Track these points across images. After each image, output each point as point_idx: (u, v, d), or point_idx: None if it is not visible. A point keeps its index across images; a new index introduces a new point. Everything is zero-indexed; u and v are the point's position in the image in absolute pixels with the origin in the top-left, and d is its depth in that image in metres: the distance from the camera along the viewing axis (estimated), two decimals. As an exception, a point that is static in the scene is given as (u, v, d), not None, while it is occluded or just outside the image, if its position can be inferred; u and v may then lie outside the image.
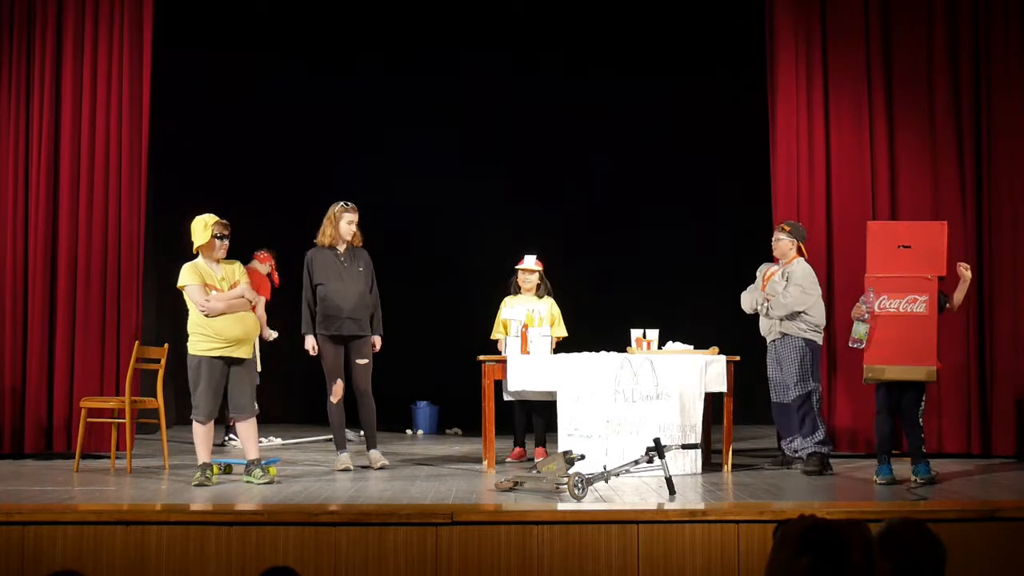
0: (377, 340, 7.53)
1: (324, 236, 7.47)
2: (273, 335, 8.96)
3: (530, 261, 8.28)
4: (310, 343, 7.38)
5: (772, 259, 7.44)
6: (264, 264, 9.45)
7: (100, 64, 8.24)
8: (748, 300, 7.43)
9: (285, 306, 9.41)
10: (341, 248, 7.46)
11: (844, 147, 8.29)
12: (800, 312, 7.15)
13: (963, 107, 8.24)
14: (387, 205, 9.26)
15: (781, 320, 7.19)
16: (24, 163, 8.19)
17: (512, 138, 11.35)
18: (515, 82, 11.16)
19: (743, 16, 9.67)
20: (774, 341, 7.28)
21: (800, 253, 7.33)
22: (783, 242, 7.30)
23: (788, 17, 8.34)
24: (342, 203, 7.49)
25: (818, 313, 7.26)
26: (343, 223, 7.43)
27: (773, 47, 8.43)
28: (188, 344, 6.60)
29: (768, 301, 7.21)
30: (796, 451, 7.24)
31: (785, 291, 7.16)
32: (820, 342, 7.32)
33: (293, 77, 11.24)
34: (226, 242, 6.69)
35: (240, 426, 6.73)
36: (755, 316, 7.45)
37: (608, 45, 11.15)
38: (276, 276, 9.51)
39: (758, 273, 7.49)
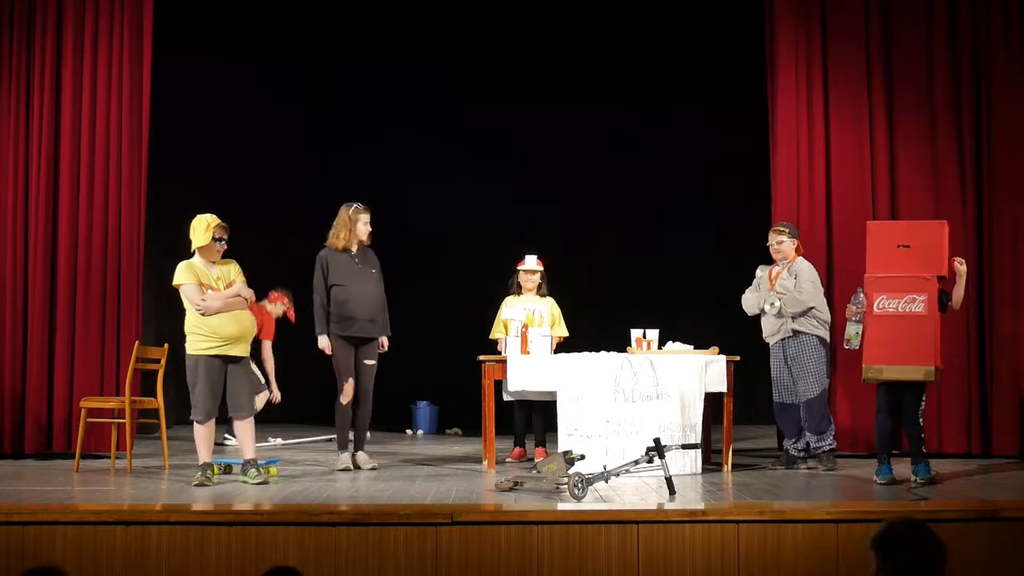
0: (385, 341, 7.49)
1: (338, 239, 7.34)
2: (277, 397, 9.20)
3: (531, 262, 8.26)
4: (324, 343, 7.30)
5: (769, 260, 7.47)
6: (276, 304, 9.49)
7: (100, 64, 8.24)
8: (753, 301, 7.42)
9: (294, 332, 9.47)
10: (354, 249, 7.40)
11: (844, 147, 8.29)
12: (812, 308, 7.21)
13: (963, 107, 8.24)
14: (387, 205, 9.21)
15: (794, 318, 7.21)
16: (24, 163, 8.19)
17: (513, 138, 11.35)
18: (515, 82, 11.15)
19: (743, 16, 9.67)
20: (784, 340, 7.28)
21: (798, 252, 7.43)
22: (786, 244, 7.38)
23: (788, 17, 8.34)
24: (355, 205, 7.40)
25: (826, 309, 7.36)
26: (360, 224, 7.35)
27: (773, 47, 8.43)
28: (186, 344, 6.61)
29: (781, 299, 7.22)
30: (803, 449, 7.25)
31: (798, 287, 7.21)
32: (828, 339, 7.36)
33: (293, 77, 11.24)
34: (224, 245, 6.70)
35: (238, 425, 6.73)
36: (756, 317, 7.45)
37: (608, 45, 11.15)
38: (292, 313, 9.57)
39: (759, 273, 7.50)
